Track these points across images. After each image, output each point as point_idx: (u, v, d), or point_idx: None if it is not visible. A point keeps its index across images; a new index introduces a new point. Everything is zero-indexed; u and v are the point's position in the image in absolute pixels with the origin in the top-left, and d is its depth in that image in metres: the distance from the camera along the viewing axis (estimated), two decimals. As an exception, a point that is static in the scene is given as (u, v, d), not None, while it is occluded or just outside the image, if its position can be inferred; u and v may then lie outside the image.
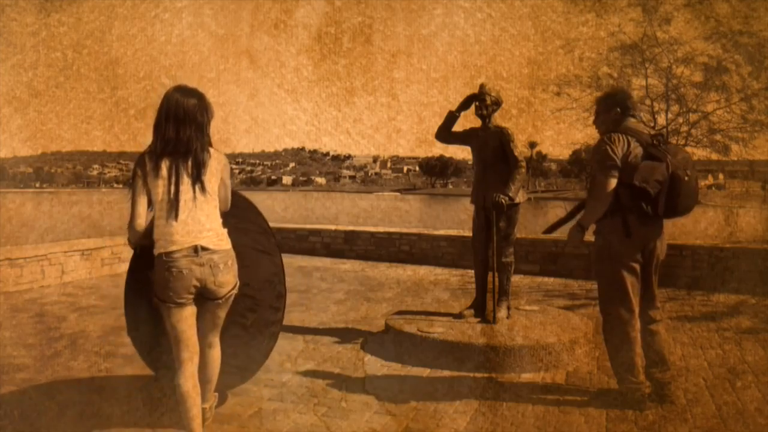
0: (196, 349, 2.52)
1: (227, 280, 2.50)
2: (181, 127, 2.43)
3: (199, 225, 2.44)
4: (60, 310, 5.17)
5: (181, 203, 2.42)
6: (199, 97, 2.50)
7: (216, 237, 2.48)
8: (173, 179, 2.42)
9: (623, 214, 3.02)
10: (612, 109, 3.17)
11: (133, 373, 3.61)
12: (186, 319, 2.47)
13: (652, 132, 3.17)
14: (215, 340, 2.65)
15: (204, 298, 2.50)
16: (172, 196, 2.42)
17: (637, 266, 3.08)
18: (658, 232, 3.11)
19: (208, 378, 2.65)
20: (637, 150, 3.01)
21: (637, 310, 3.10)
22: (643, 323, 3.15)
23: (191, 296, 2.46)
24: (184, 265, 2.40)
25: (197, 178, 2.45)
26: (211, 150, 2.52)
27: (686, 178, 2.96)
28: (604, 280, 3.16)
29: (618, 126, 3.13)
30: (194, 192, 2.44)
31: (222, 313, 2.59)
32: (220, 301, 2.52)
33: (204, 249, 2.43)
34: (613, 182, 3.00)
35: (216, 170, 2.51)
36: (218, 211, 2.54)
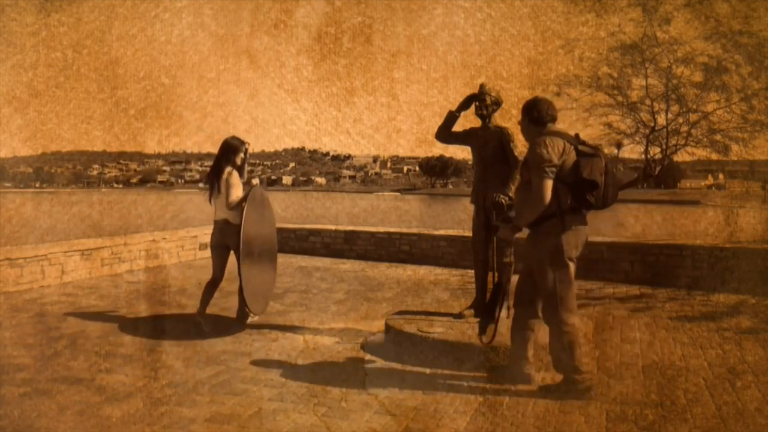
0: (220, 276, 4.69)
1: (234, 240, 4.42)
2: (221, 157, 4.62)
3: (222, 209, 4.55)
4: (60, 310, 5.17)
5: (213, 197, 4.60)
6: (238, 140, 4.65)
7: (230, 216, 4.52)
8: (210, 183, 4.63)
9: (562, 212, 3.15)
10: (531, 115, 3.32)
11: (133, 372, 3.62)
12: (216, 257, 4.66)
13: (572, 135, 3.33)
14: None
15: (229, 248, 4.61)
16: (209, 191, 4.62)
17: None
18: (586, 225, 3.29)
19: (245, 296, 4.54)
20: (571, 149, 3.16)
21: None
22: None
23: (221, 246, 4.61)
24: (217, 229, 4.64)
25: (217, 183, 4.56)
26: (227, 168, 4.56)
27: (615, 170, 3.17)
28: (559, 278, 3.21)
29: (541, 131, 3.27)
30: (217, 191, 4.56)
31: (236, 256, 4.44)
32: (232, 250, 4.56)
33: (226, 222, 4.55)
34: (550, 183, 3.13)
35: (225, 179, 4.53)
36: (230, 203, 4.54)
